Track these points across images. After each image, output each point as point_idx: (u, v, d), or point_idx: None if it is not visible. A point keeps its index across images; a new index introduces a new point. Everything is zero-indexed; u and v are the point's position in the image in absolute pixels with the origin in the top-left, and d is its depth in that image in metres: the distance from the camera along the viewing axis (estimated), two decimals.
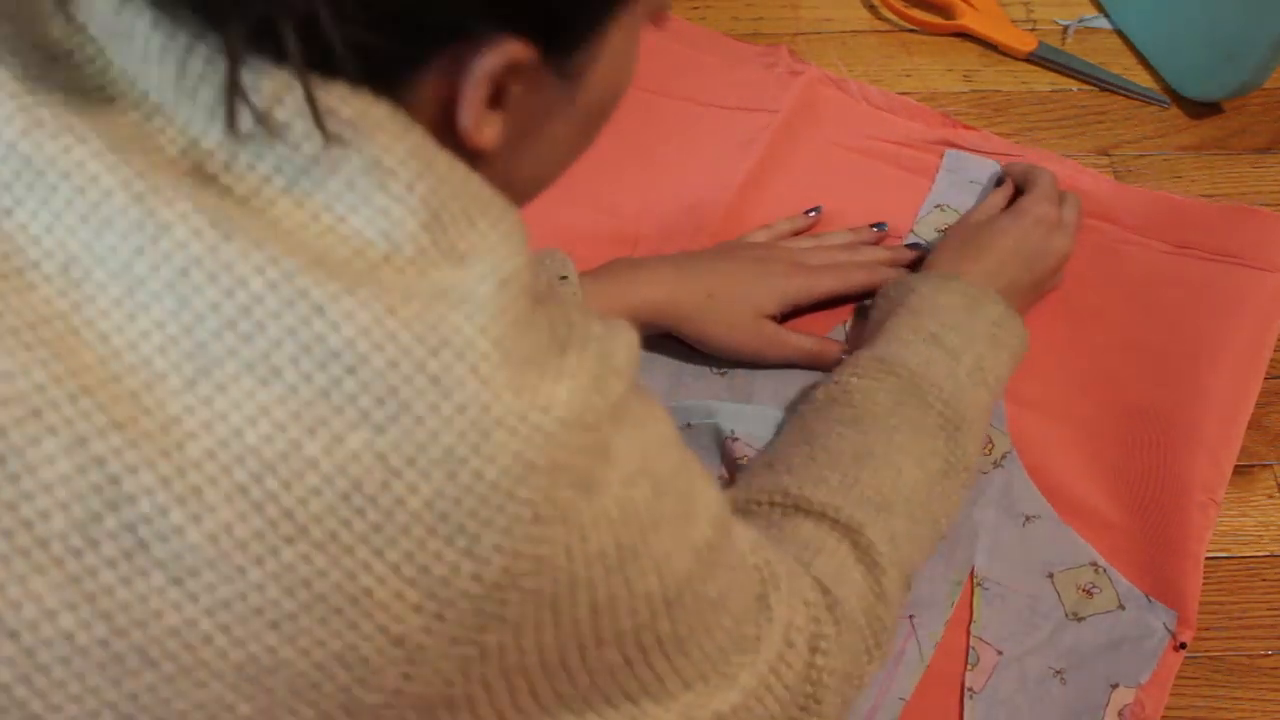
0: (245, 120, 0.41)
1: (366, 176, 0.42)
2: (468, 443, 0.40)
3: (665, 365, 0.82)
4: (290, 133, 0.41)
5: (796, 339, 0.82)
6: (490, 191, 0.45)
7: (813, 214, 0.89)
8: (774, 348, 0.81)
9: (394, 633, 0.41)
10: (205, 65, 0.41)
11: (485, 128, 0.45)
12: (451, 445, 0.40)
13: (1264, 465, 0.81)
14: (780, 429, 0.76)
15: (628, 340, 0.45)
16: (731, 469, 0.76)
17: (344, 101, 0.41)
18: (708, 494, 0.50)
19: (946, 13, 1.02)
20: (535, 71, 0.45)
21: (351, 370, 0.40)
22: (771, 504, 0.66)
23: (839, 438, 0.69)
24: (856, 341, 0.83)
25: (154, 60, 0.42)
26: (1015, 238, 0.80)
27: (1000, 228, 0.81)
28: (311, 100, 0.40)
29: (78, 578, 0.39)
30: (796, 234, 0.88)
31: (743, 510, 0.67)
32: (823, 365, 0.80)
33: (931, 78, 0.99)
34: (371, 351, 0.40)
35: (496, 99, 0.45)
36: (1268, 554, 0.78)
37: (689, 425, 0.78)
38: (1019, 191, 0.87)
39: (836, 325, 0.84)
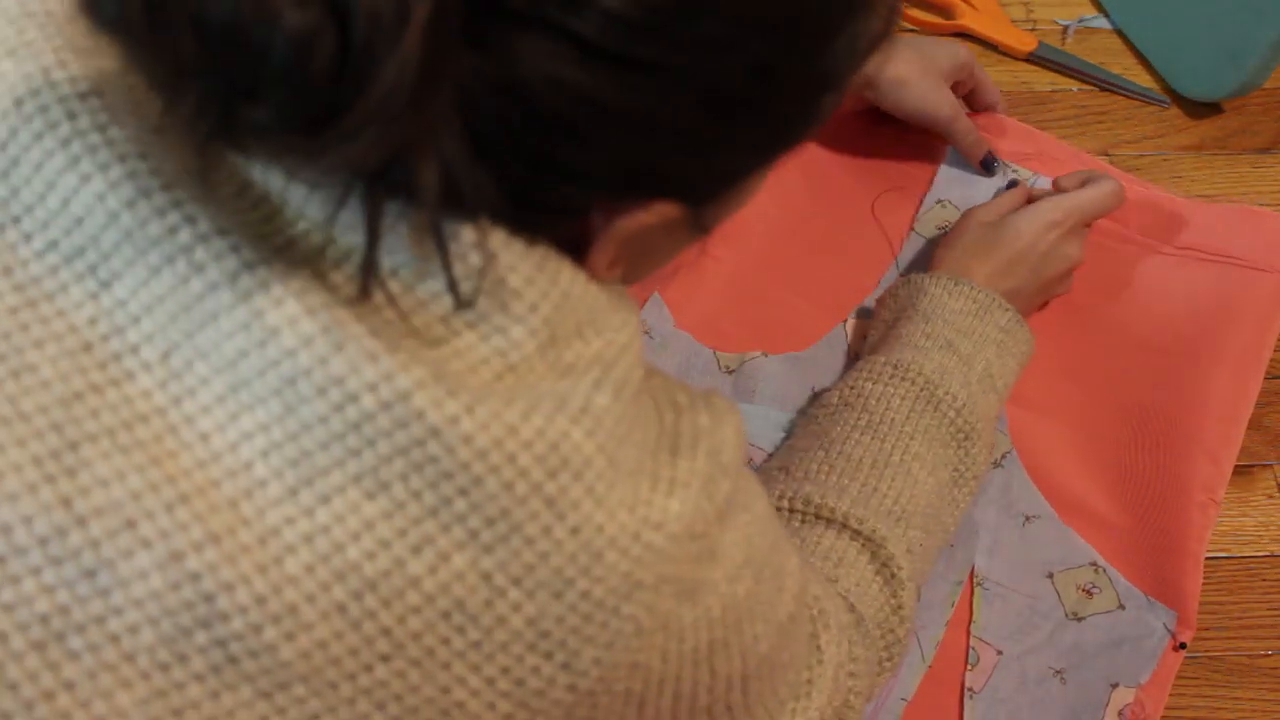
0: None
1: (489, 299, 0.40)
2: (578, 565, 0.39)
3: (673, 356, 0.82)
4: (430, 277, 0.40)
5: (965, 116, 0.88)
6: (607, 297, 0.44)
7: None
8: (946, 104, 0.86)
9: None
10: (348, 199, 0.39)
11: (614, 269, 0.44)
12: (561, 566, 0.39)
13: (1264, 465, 0.81)
14: (792, 432, 0.76)
15: (734, 427, 0.44)
16: None
17: (483, 238, 0.40)
18: (792, 561, 0.49)
19: (946, 13, 1.02)
20: (674, 224, 0.43)
21: (464, 492, 0.38)
22: (791, 510, 0.66)
23: (856, 444, 0.69)
24: (859, 343, 0.83)
25: (294, 189, 0.40)
26: (1028, 241, 0.80)
27: (1014, 229, 0.80)
28: (448, 268, 0.39)
29: (164, 692, 0.38)
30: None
31: None
32: (973, 152, 0.88)
33: None
34: (488, 475, 0.38)
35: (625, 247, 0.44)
36: (1268, 554, 0.78)
37: None
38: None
39: (837, 325, 0.84)
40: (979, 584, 0.74)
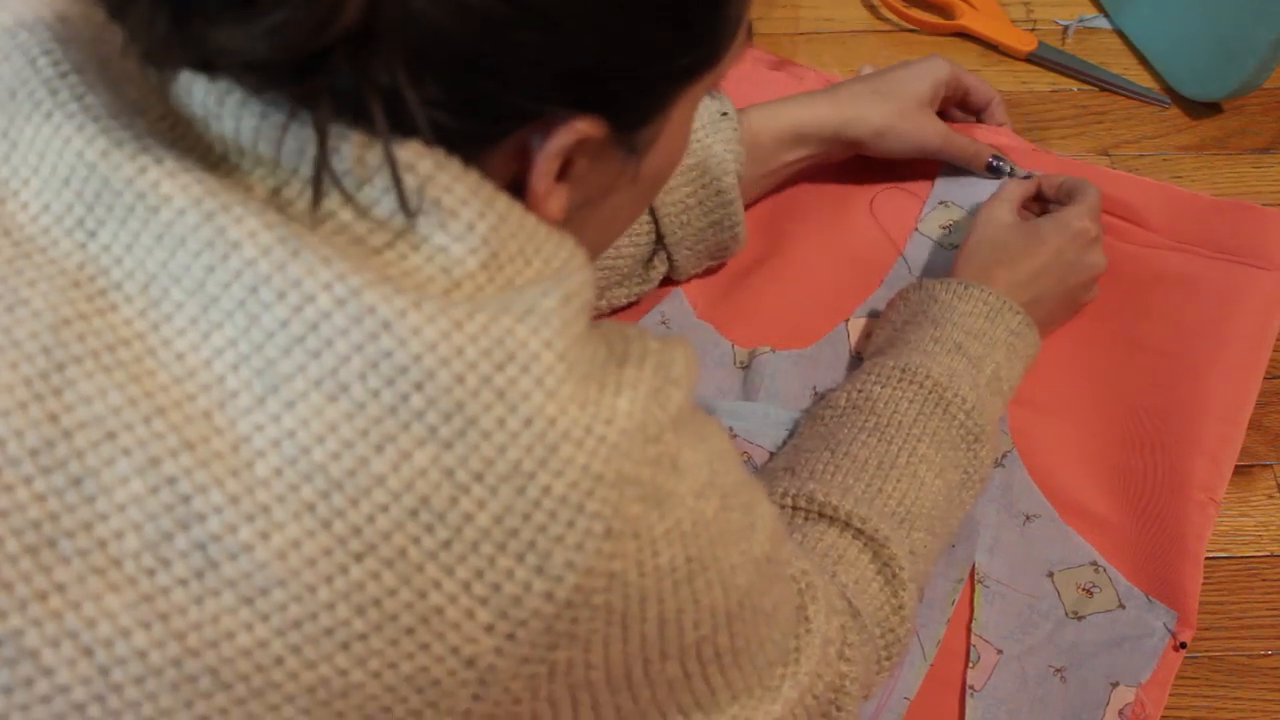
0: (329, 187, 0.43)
1: (427, 217, 0.43)
2: (534, 457, 0.40)
3: (694, 344, 0.81)
4: (371, 188, 0.43)
5: (957, 134, 0.88)
6: (547, 229, 0.46)
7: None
8: (934, 135, 0.86)
9: (466, 654, 0.41)
10: (292, 126, 0.42)
11: (552, 199, 0.47)
12: (518, 460, 0.40)
13: (1264, 465, 0.81)
14: (797, 431, 0.76)
15: (685, 354, 0.46)
16: None
17: (420, 157, 0.42)
18: (765, 505, 0.50)
19: (946, 13, 1.02)
20: (602, 147, 0.46)
21: (419, 386, 0.40)
22: (795, 508, 0.66)
23: (862, 446, 0.69)
24: (862, 342, 0.83)
25: (243, 126, 0.43)
26: (1053, 249, 0.80)
27: (1039, 237, 0.80)
28: (398, 181, 0.42)
29: (150, 596, 0.39)
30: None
31: None
32: (975, 164, 0.88)
33: None
34: (438, 367, 0.40)
35: (563, 171, 0.47)
36: (1268, 554, 0.78)
37: None
38: (1041, 200, 0.86)
39: (840, 323, 0.84)
40: (980, 582, 0.74)
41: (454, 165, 0.43)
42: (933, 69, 0.87)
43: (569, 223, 0.48)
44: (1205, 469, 0.77)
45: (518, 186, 0.46)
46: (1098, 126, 0.96)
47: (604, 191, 0.51)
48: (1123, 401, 0.81)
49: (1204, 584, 0.74)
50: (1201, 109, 0.97)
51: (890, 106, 0.85)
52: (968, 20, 1.01)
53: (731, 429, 0.77)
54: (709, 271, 0.86)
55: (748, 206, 0.84)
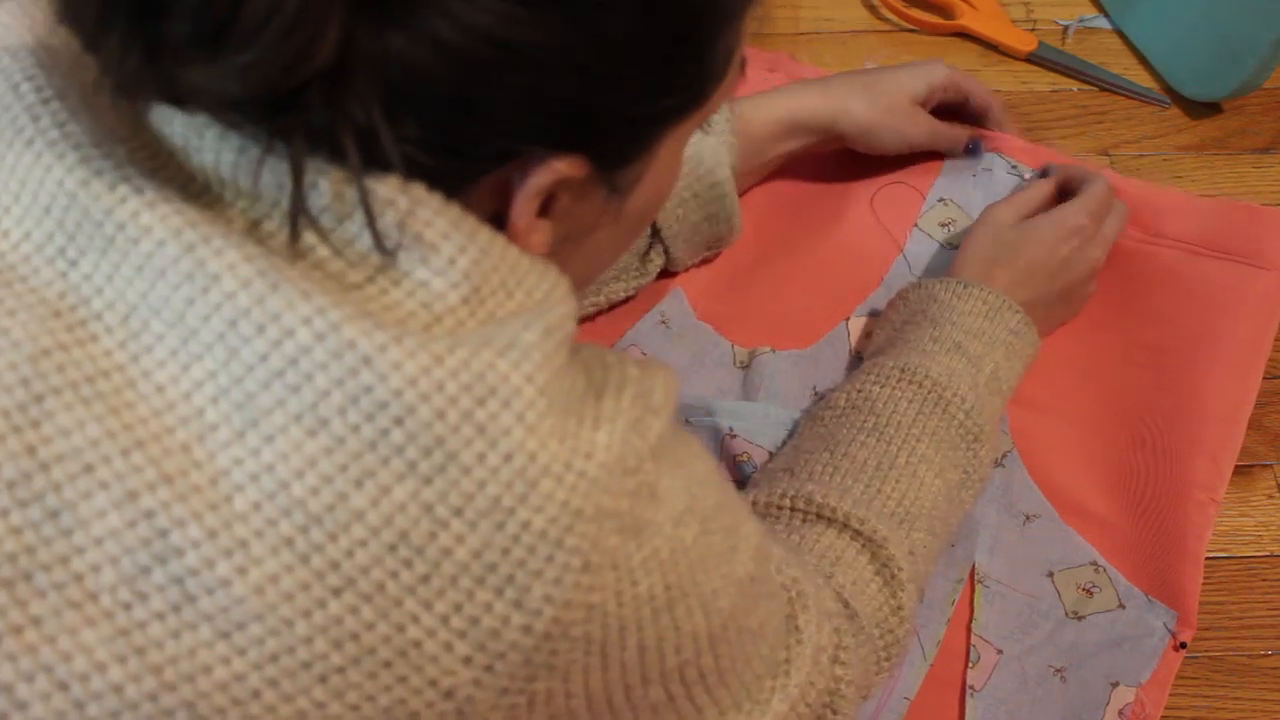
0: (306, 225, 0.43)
1: (408, 253, 0.43)
2: (514, 493, 0.40)
3: (689, 347, 0.82)
4: (351, 223, 0.42)
5: (944, 125, 0.87)
6: (529, 260, 0.45)
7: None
8: (921, 129, 0.86)
9: (444, 686, 0.41)
10: (269, 160, 0.42)
11: (534, 235, 0.46)
12: (498, 495, 0.40)
13: (1264, 465, 0.81)
14: (797, 431, 0.76)
15: (665, 380, 0.46)
16: (730, 466, 0.76)
17: (399, 192, 0.42)
18: (748, 525, 0.50)
19: (946, 13, 1.02)
20: (585, 185, 0.46)
21: (399, 421, 0.40)
22: (793, 509, 0.66)
23: (861, 446, 0.69)
24: (862, 341, 0.83)
25: (222, 159, 0.43)
26: (1048, 247, 0.80)
27: (1035, 235, 0.80)
28: (372, 221, 0.42)
29: (127, 631, 0.39)
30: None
31: (763, 514, 0.67)
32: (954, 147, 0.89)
33: None
34: (419, 402, 0.40)
35: (546, 208, 0.47)
36: (1268, 554, 0.78)
37: (687, 422, 0.78)
38: (1064, 193, 0.86)
39: (840, 321, 0.84)
40: (980, 582, 0.74)
41: (434, 200, 0.43)
42: (929, 70, 0.87)
43: (553, 256, 0.48)
44: (1205, 469, 0.77)
45: (500, 219, 0.46)
46: (1098, 126, 0.96)
47: (587, 228, 0.50)
48: (1123, 401, 0.81)
49: (1204, 584, 0.74)
50: (1201, 109, 0.97)
51: (880, 102, 0.85)
52: (968, 20, 1.01)
53: (731, 429, 0.76)
54: (709, 271, 0.86)
55: (741, 194, 0.84)
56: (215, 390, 0.41)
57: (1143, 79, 0.99)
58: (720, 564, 0.47)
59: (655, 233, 0.81)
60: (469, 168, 0.44)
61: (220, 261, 0.41)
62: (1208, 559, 0.75)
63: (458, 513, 0.40)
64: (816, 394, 0.80)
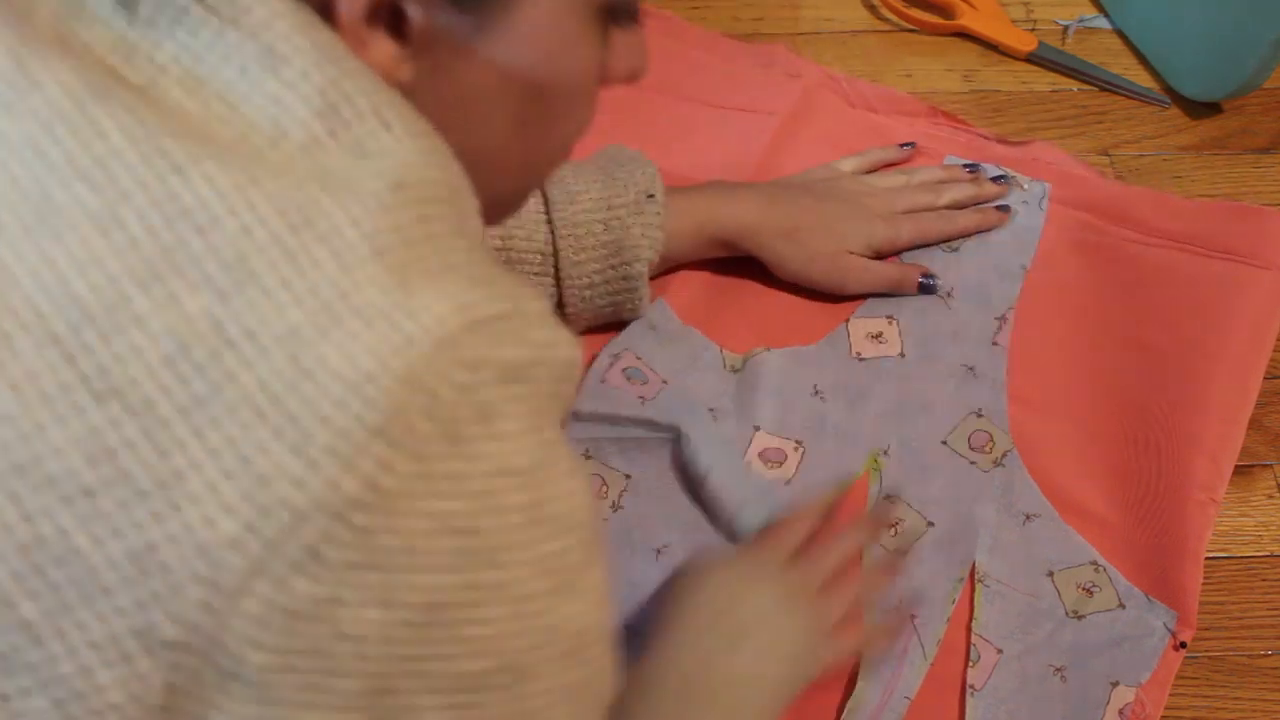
0: (147, 6, 0.41)
1: (259, 63, 0.40)
2: (316, 325, 0.37)
3: (679, 351, 0.81)
4: (187, 17, 0.40)
5: (878, 266, 0.84)
6: (416, 112, 0.42)
7: (907, 148, 0.91)
8: (854, 278, 0.83)
9: (200, 539, 0.36)
10: None
11: (375, 49, 0.43)
12: (298, 324, 0.36)
13: (1264, 465, 0.81)
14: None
15: (569, 351, 0.42)
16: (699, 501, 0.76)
17: None
18: (600, 587, 0.44)
19: (946, 13, 1.02)
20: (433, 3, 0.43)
21: (201, 230, 0.37)
22: None
23: None
24: (861, 342, 0.83)
25: None
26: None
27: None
28: None
29: None
30: (889, 165, 0.90)
31: None
32: (905, 290, 0.84)
33: (931, 78, 0.99)
34: (226, 214, 0.37)
35: (398, 25, 0.43)
36: (1268, 554, 0.77)
37: (680, 435, 0.77)
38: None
39: (840, 324, 0.84)
40: (980, 582, 0.73)
41: (293, 14, 0.41)
42: (871, 232, 0.84)
43: (435, 119, 0.44)
44: (1205, 469, 0.77)
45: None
46: (1098, 126, 0.96)
47: (463, 90, 0.47)
48: (1122, 401, 0.81)
49: (1204, 584, 0.74)
50: (1201, 109, 0.97)
51: (810, 251, 0.82)
52: (968, 20, 1.01)
53: (707, 474, 0.75)
54: (695, 281, 0.85)
55: (655, 277, 0.82)
56: (15, 194, 0.38)
57: (1143, 79, 0.99)
58: (548, 575, 0.41)
59: (559, 304, 0.79)
60: None
61: (48, 72, 0.39)
62: (1208, 559, 0.75)
63: (250, 335, 0.36)
64: (817, 392, 0.80)
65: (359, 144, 0.40)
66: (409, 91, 0.44)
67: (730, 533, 0.74)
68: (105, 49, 0.41)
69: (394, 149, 0.40)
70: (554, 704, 0.43)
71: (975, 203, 0.88)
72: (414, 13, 0.43)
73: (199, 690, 0.37)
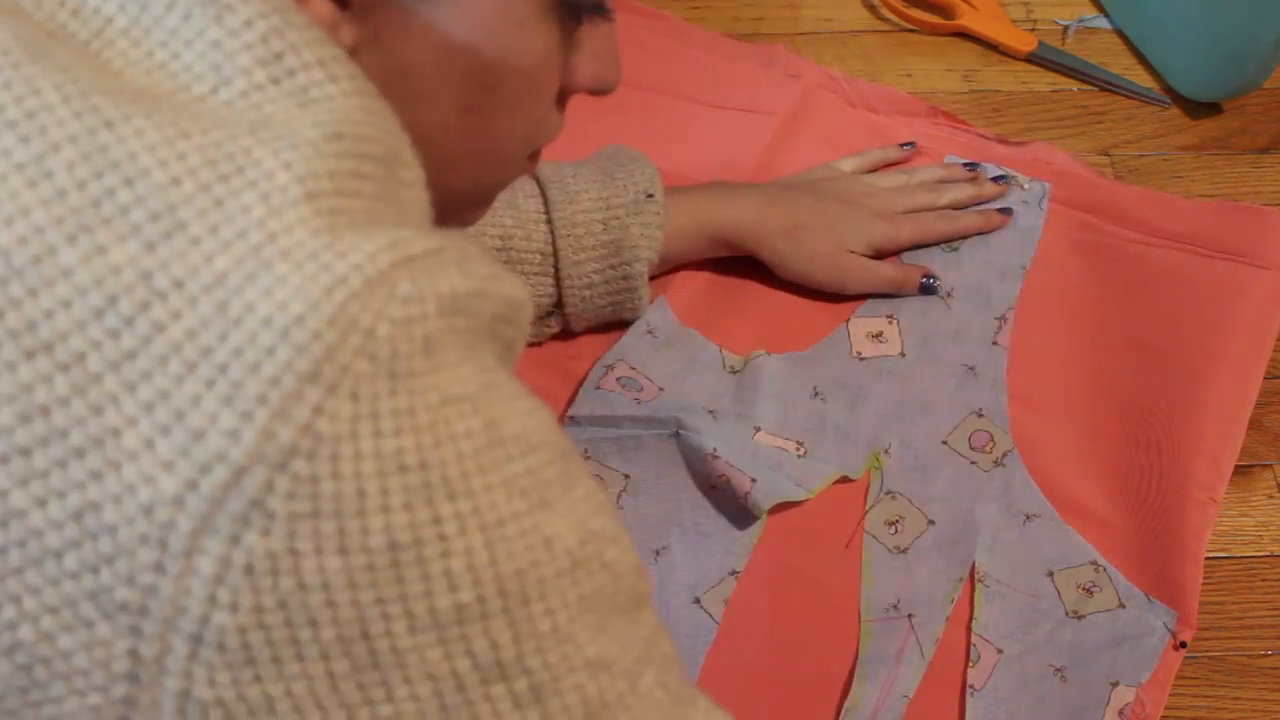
0: None
1: (203, 10, 0.40)
2: (244, 271, 0.36)
3: (679, 353, 0.81)
4: None
5: (878, 267, 0.84)
6: (361, 73, 0.42)
7: (907, 148, 0.91)
8: (854, 277, 0.83)
9: (143, 498, 0.35)
10: None
11: (313, 3, 0.43)
12: (226, 271, 0.36)
13: (1264, 465, 0.81)
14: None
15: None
16: (706, 487, 0.76)
17: None
18: (589, 496, 0.42)
19: (946, 13, 1.02)
20: None
21: (129, 182, 0.37)
22: None
23: None
24: (861, 343, 0.83)
25: None
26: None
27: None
28: None
29: None
30: (889, 165, 0.91)
31: None
32: (906, 290, 0.84)
33: (931, 78, 0.99)
34: (154, 166, 0.37)
35: None
36: (1268, 554, 0.77)
37: (676, 434, 0.77)
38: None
39: (840, 324, 0.84)
40: (980, 582, 0.73)
41: None
42: (870, 232, 0.84)
43: (381, 90, 0.43)
44: (1205, 468, 0.77)
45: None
46: (1098, 126, 0.96)
47: (403, 58, 0.46)
48: (1122, 401, 0.81)
49: (1204, 584, 0.74)
50: (1201, 109, 0.97)
51: (809, 251, 0.83)
52: (968, 20, 1.01)
53: (714, 450, 0.75)
54: (695, 282, 0.85)
55: (655, 278, 0.82)
56: None
57: (1143, 79, 0.99)
58: (518, 497, 0.39)
59: (559, 304, 0.79)
60: None
61: None
62: (1208, 559, 0.75)
63: (178, 285, 0.36)
64: (817, 393, 0.80)
65: (302, 91, 0.40)
66: (350, 56, 0.43)
67: (744, 509, 0.74)
68: (55, 3, 0.41)
69: (337, 101, 0.40)
70: (570, 619, 0.40)
71: (976, 203, 0.88)
72: None
73: (172, 662, 0.36)
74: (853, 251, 0.83)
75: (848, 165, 0.89)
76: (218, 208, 0.36)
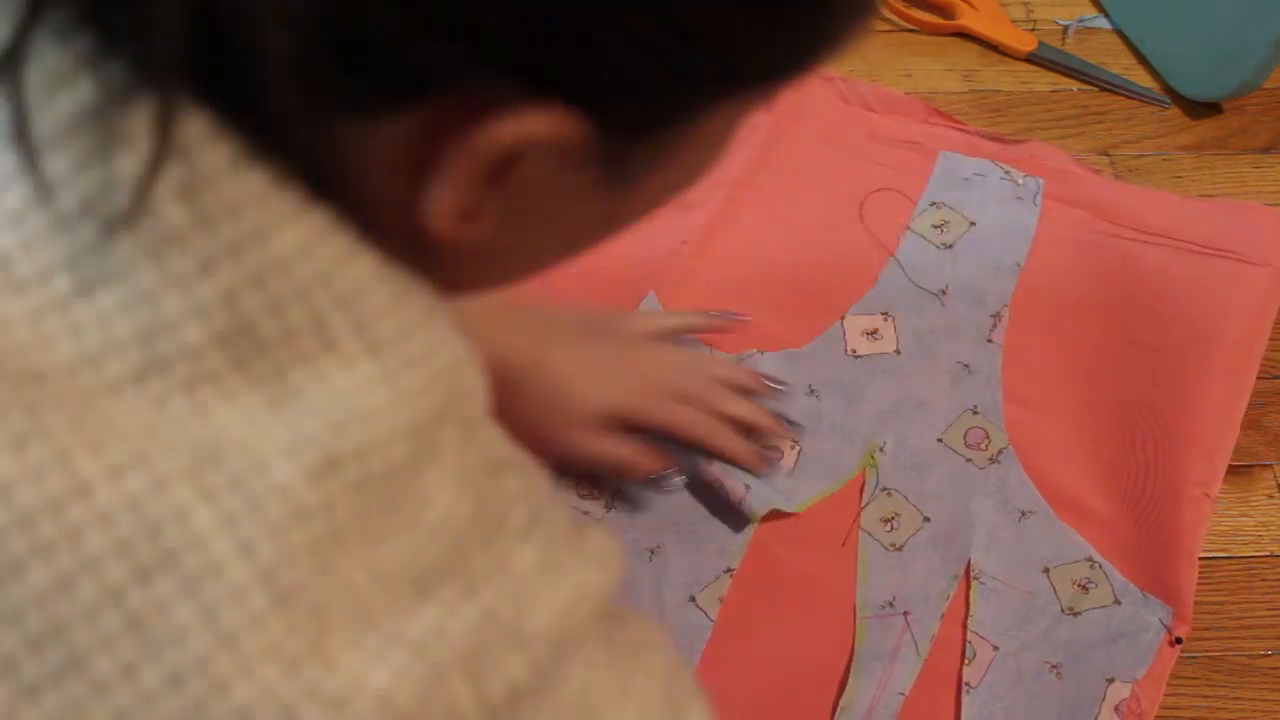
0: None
1: (151, 253, 0.26)
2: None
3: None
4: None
5: (626, 454, 0.70)
6: (403, 288, 0.29)
7: (729, 317, 0.79)
8: (574, 457, 0.71)
9: None
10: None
11: (466, 222, 0.29)
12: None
13: (1264, 465, 0.80)
14: None
15: (577, 587, 0.30)
16: (702, 493, 0.75)
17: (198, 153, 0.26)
18: None
19: (946, 12, 1.02)
20: (570, 156, 0.29)
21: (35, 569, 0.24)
22: None
23: None
24: (856, 340, 0.82)
25: None
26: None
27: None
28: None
29: None
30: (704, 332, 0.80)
31: None
32: (633, 478, 0.72)
33: (931, 78, 0.99)
34: (31, 558, 0.24)
35: (494, 179, 0.29)
36: (1268, 554, 0.77)
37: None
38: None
39: (834, 322, 0.84)
40: (975, 579, 0.73)
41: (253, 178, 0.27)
42: (612, 400, 0.70)
43: (474, 254, 0.31)
44: (1200, 465, 0.77)
45: (393, 197, 0.29)
46: (1098, 126, 0.96)
47: (553, 212, 0.32)
48: (1118, 398, 0.80)
49: (1204, 584, 0.74)
50: (1201, 109, 0.97)
51: (558, 410, 0.69)
52: (968, 20, 1.01)
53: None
54: (687, 283, 0.84)
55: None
56: None
57: (1143, 79, 0.99)
58: None
59: None
60: (370, 98, 0.27)
61: None
62: (1208, 559, 0.75)
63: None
64: (812, 390, 0.80)
65: (280, 373, 0.26)
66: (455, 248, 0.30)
67: (739, 512, 0.74)
68: None
69: (337, 380, 0.27)
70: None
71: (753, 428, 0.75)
72: (528, 172, 0.29)
73: None
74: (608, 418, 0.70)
75: (668, 322, 0.78)
76: (133, 631, 0.23)
